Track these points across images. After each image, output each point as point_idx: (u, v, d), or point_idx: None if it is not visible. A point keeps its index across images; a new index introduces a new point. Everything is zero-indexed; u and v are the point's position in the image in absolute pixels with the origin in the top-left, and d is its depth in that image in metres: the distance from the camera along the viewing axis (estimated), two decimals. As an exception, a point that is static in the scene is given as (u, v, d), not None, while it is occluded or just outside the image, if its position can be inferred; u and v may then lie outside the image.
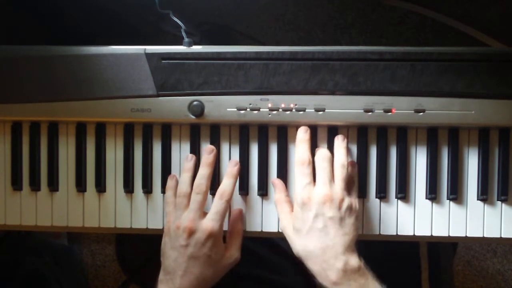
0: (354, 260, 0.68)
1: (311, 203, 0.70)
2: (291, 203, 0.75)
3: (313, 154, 0.74)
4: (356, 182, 0.76)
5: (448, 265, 0.94)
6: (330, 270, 0.67)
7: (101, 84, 0.75)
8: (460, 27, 1.09)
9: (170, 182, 0.77)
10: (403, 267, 0.91)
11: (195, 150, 0.78)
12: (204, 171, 0.74)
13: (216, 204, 0.73)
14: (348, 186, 0.73)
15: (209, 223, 0.72)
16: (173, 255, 0.72)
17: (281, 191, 0.76)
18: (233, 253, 0.75)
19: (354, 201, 0.71)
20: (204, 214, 0.74)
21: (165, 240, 0.74)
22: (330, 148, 0.76)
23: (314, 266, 0.69)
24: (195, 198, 0.73)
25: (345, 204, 0.70)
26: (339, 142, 0.74)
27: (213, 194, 0.77)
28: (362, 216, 0.77)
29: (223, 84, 0.75)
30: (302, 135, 0.75)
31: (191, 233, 0.72)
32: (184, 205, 0.74)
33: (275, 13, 1.26)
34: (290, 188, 0.77)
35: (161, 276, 0.74)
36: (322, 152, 0.73)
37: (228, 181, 0.75)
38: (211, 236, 0.72)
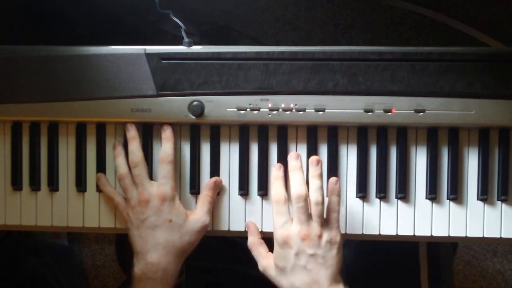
0: None
1: (291, 242, 0.70)
2: (265, 244, 0.76)
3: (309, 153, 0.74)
4: (337, 210, 0.73)
5: (448, 265, 0.95)
6: None
7: (101, 84, 0.75)
8: (460, 27, 1.09)
9: (101, 181, 0.78)
10: (403, 267, 0.91)
11: (195, 150, 0.78)
12: (134, 145, 0.76)
13: (160, 169, 0.75)
14: (328, 217, 0.72)
15: (159, 188, 0.74)
16: (137, 234, 0.74)
17: (254, 234, 0.77)
18: (199, 217, 0.75)
19: (334, 233, 0.71)
20: (152, 184, 0.75)
21: (128, 227, 0.75)
22: (331, 147, 0.76)
23: None
24: (135, 172, 0.75)
25: (324, 240, 0.70)
26: (313, 171, 0.73)
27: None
28: (362, 216, 0.77)
29: (223, 84, 0.75)
30: (276, 173, 0.75)
31: (145, 203, 0.73)
32: (129, 185, 0.75)
33: (275, 13, 1.26)
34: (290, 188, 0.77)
35: (134, 260, 0.74)
36: (297, 189, 0.71)
37: (166, 145, 0.76)
38: (165, 199, 0.73)
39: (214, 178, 0.77)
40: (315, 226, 0.70)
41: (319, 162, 0.73)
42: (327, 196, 0.74)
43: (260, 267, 0.74)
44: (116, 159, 0.77)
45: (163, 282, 0.72)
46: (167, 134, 0.76)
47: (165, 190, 0.74)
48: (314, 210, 0.71)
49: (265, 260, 0.74)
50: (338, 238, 0.71)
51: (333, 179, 0.73)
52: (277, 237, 0.72)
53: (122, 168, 0.76)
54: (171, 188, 0.74)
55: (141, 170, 0.75)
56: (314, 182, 0.72)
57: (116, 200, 0.77)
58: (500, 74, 0.73)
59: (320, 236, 0.70)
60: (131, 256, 0.75)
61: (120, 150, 0.77)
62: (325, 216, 0.72)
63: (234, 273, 0.90)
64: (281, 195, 0.73)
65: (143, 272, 0.72)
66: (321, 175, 0.72)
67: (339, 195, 0.73)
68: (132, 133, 0.76)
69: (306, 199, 0.71)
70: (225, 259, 0.91)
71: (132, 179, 0.75)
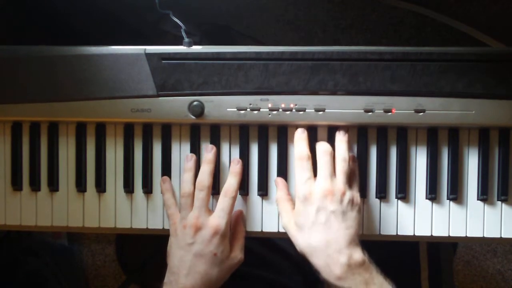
0: (358, 254, 0.68)
1: (312, 198, 0.70)
2: (292, 201, 0.75)
3: (313, 149, 0.74)
4: (357, 176, 0.76)
5: (448, 265, 0.95)
6: (334, 265, 0.67)
7: (101, 84, 0.75)
8: (460, 27, 1.09)
9: (164, 185, 0.77)
10: (403, 266, 0.91)
11: (195, 150, 0.78)
12: (206, 168, 0.75)
13: (221, 202, 0.74)
14: (350, 180, 0.73)
15: (215, 219, 0.72)
16: (178, 254, 0.73)
17: (282, 189, 0.76)
18: (237, 254, 0.75)
19: (356, 194, 0.72)
20: (210, 212, 0.74)
21: (171, 241, 0.75)
22: (331, 145, 0.76)
23: (318, 261, 0.69)
24: (199, 195, 0.74)
25: (346, 198, 0.70)
26: (341, 137, 0.74)
27: (216, 194, 0.77)
28: (362, 216, 0.77)
29: (223, 84, 0.75)
30: (300, 134, 0.75)
31: (197, 230, 0.72)
32: (189, 205, 0.74)
33: (275, 13, 1.26)
34: (291, 188, 0.77)
35: (166, 278, 0.74)
36: (323, 145, 0.73)
37: (232, 179, 0.75)
38: (217, 233, 0.72)
39: (240, 210, 0.77)
40: (339, 182, 0.71)
41: (346, 133, 0.75)
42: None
43: (282, 223, 0.74)
44: (185, 174, 0.76)
45: None
46: (237, 169, 0.76)
47: (220, 224, 0.72)
48: (341, 166, 0.72)
49: (288, 216, 0.73)
50: (359, 200, 0.72)
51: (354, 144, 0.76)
52: (299, 193, 0.71)
53: (189, 187, 0.75)
54: (226, 224, 0.73)
55: (205, 196, 0.74)
56: (342, 145, 0.73)
57: (171, 211, 0.76)
58: (500, 74, 0.73)
59: (343, 194, 0.70)
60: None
61: (192, 166, 0.76)
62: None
63: (234, 273, 0.90)
64: (304, 152, 0.73)
65: None
66: (348, 142, 0.74)
67: (356, 162, 0.76)
68: (210, 157, 0.76)
69: (331, 155, 0.72)
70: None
71: (192, 200, 0.74)
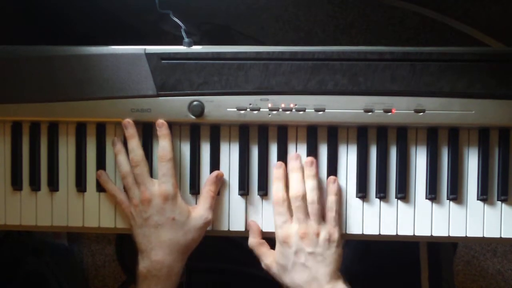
0: (339, 287, 0.70)
1: (290, 241, 0.72)
2: (266, 243, 0.77)
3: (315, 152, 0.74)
4: (336, 207, 0.74)
5: (448, 264, 0.95)
6: None
7: (101, 84, 0.75)
8: (460, 27, 1.09)
9: (102, 178, 0.78)
10: (403, 267, 0.91)
11: (195, 150, 0.78)
12: (133, 143, 0.75)
13: (160, 168, 0.75)
14: (326, 216, 0.74)
15: (160, 186, 0.74)
16: (141, 232, 0.74)
17: (255, 235, 0.77)
18: (202, 213, 0.75)
19: (332, 230, 0.73)
20: (153, 182, 0.75)
21: (131, 225, 0.76)
22: (331, 147, 0.76)
23: None
24: (137, 171, 0.75)
25: (321, 237, 0.72)
26: (308, 171, 0.75)
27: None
28: (362, 216, 0.77)
29: (223, 84, 0.75)
30: (277, 172, 0.76)
31: (148, 202, 0.73)
32: (132, 183, 0.75)
33: (275, 13, 1.26)
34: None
35: (139, 258, 0.75)
36: (294, 189, 0.74)
37: (163, 142, 0.75)
38: (167, 198, 0.73)
39: (216, 172, 0.77)
40: (312, 224, 0.72)
41: (313, 163, 0.75)
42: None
43: (263, 265, 0.76)
44: (117, 157, 0.77)
45: (168, 280, 0.73)
46: (163, 131, 0.76)
47: (167, 188, 0.74)
48: (311, 209, 0.73)
49: (267, 259, 0.75)
50: (336, 236, 0.72)
51: (330, 178, 0.75)
52: (278, 236, 0.73)
53: (124, 166, 0.76)
54: (172, 186, 0.74)
55: (142, 169, 0.75)
56: (309, 183, 0.74)
57: (118, 198, 0.77)
58: (500, 74, 0.73)
59: (317, 234, 0.72)
60: (132, 255, 0.76)
61: (120, 147, 0.77)
62: (324, 214, 0.74)
63: (235, 273, 0.90)
64: (280, 196, 0.74)
65: (148, 270, 0.73)
66: (316, 175, 0.74)
67: (336, 194, 0.75)
68: (131, 131, 0.76)
69: (303, 198, 0.73)
70: (226, 259, 0.91)
71: (134, 178, 0.75)
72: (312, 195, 0.73)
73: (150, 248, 0.73)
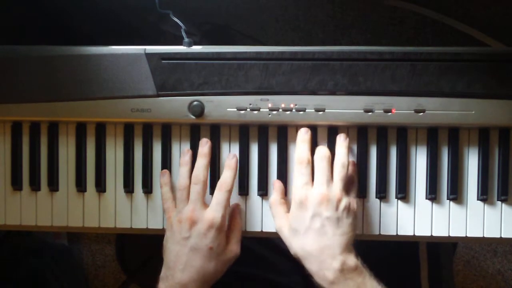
0: (351, 260, 0.68)
1: (308, 203, 0.70)
2: (286, 205, 0.75)
3: (314, 152, 0.74)
4: (356, 182, 0.76)
5: (448, 264, 0.95)
6: (328, 270, 0.67)
7: (101, 84, 0.75)
8: (460, 27, 1.09)
9: (163, 178, 0.77)
10: (403, 266, 0.92)
11: (196, 150, 0.78)
12: (201, 162, 0.75)
13: (216, 195, 0.73)
14: (347, 186, 0.73)
15: (210, 213, 0.72)
16: (174, 249, 0.72)
17: (278, 193, 0.76)
18: (233, 248, 0.75)
19: (352, 200, 0.72)
20: (206, 206, 0.74)
21: (167, 235, 0.75)
22: (330, 148, 0.76)
23: (311, 265, 0.69)
24: (194, 189, 0.74)
25: (342, 204, 0.70)
26: (341, 141, 0.74)
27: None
28: (362, 216, 0.77)
29: (223, 84, 0.75)
30: (303, 136, 0.75)
31: (192, 223, 0.72)
32: (184, 198, 0.74)
33: (275, 13, 1.26)
34: (290, 188, 0.77)
35: (162, 273, 0.73)
36: (321, 151, 0.73)
37: (227, 173, 0.75)
38: (212, 227, 0.72)
39: (236, 206, 0.77)
40: (336, 189, 0.71)
41: (346, 137, 0.75)
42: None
43: (276, 226, 0.74)
44: (182, 168, 0.76)
45: None
46: (232, 162, 0.75)
47: (216, 217, 0.72)
48: (339, 172, 0.72)
49: (281, 219, 0.74)
50: (355, 207, 0.72)
51: (353, 148, 0.76)
52: (295, 197, 0.72)
53: (185, 180, 0.75)
54: (222, 217, 0.72)
55: (200, 189, 0.73)
56: (342, 150, 0.73)
57: (167, 205, 0.76)
58: (500, 74, 0.73)
59: (339, 200, 0.70)
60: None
61: (188, 160, 0.76)
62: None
63: (235, 272, 0.90)
64: (304, 156, 0.73)
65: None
66: (348, 147, 0.74)
67: (355, 167, 0.76)
68: (205, 151, 0.75)
69: (329, 161, 0.72)
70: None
71: (188, 193, 0.74)
72: (343, 160, 0.72)
73: (178, 268, 0.72)
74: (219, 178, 0.77)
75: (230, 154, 0.77)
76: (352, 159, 0.77)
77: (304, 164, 0.72)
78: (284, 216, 0.74)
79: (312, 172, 0.73)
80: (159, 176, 0.79)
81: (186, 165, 0.76)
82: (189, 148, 0.78)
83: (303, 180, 0.72)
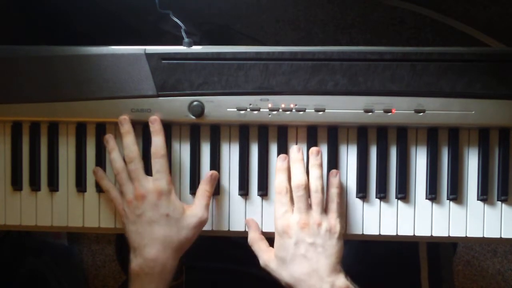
0: (340, 281, 0.69)
1: (290, 231, 0.71)
2: (265, 240, 0.76)
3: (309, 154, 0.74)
4: (335, 201, 0.74)
5: (448, 264, 0.95)
6: None
7: (101, 84, 0.75)
8: (460, 27, 1.09)
9: (98, 174, 0.78)
10: (403, 266, 0.91)
11: (195, 150, 0.78)
12: (128, 140, 0.75)
13: (153, 164, 0.74)
14: (327, 205, 0.73)
15: (155, 182, 0.73)
16: (134, 229, 0.73)
17: (254, 230, 0.77)
18: (197, 211, 0.74)
19: (334, 221, 0.72)
20: (148, 179, 0.74)
21: (124, 223, 0.75)
22: (331, 147, 0.76)
23: None
24: (131, 167, 0.74)
25: (323, 228, 0.70)
26: (313, 161, 0.74)
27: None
28: (362, 216, 0.77)
29: (223, 84, 0.75)
30: (280, 164, 0.75)
31: (142, 198, 0.73)
32: (126, 179, 0.74)
33: (275, 13, 1.26)
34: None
35: (131, 257, 0.74)
36: (296, 178, 0.73)
37: (155, 139, 0.75)
38: (162, 194, 0.73)
39: (210, 172, 0.77)
40: (314, 214, 0.71)
41: (319, 152, 0.74)
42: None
43: (261, 262, 0.74)
44: (111, 154, 0.76)
45: (161, 277, 0.72)
46: (155, 127, 0.75)
47: (161, 184, 0.73)
48: (314, 198, 0.72)
49: (266, 254, 0.74)
50: (338, 228, 0.71)
51: (333, 171, 0.75)
52: (277, 226, 0.72)
53: (118, 163, 0.75)
54: (166, 183, 0.73)
55: (136, 165, 0.74)
56: (314, 171, 0.73)
57: (112, 194, 0.76)
58: (500, 74, 0.73)
59: (319, 225, 0.70)
60: (129, 253, 0.75)
61: (113, 144, 0.76)
62: (326, 206, 0.73)
63: (235, 273, 0.90)
64: (283, 186, 0.73)
65: (141, 268, 0.72)
66: (321, 165, 0.74)
67: (338, 187, 0.74)
68: (126, 128, 0.75)
69: (306, 188, 0.72)
70: (225, 259, 0.91)
71: (128, 174, 0.75)
72: (316, 184, 0.72)
73: (143, 245, 0.72)
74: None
75: (151, 119, 0.75)
76: (339, 180, 0.75)
77: (283, 193, 0.73)
78: (267, 250, 0.74)
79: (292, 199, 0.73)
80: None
81: (114, 149, 0.76)
82: (189, 148, 0.78)
83: (283, 209, 0.72)
